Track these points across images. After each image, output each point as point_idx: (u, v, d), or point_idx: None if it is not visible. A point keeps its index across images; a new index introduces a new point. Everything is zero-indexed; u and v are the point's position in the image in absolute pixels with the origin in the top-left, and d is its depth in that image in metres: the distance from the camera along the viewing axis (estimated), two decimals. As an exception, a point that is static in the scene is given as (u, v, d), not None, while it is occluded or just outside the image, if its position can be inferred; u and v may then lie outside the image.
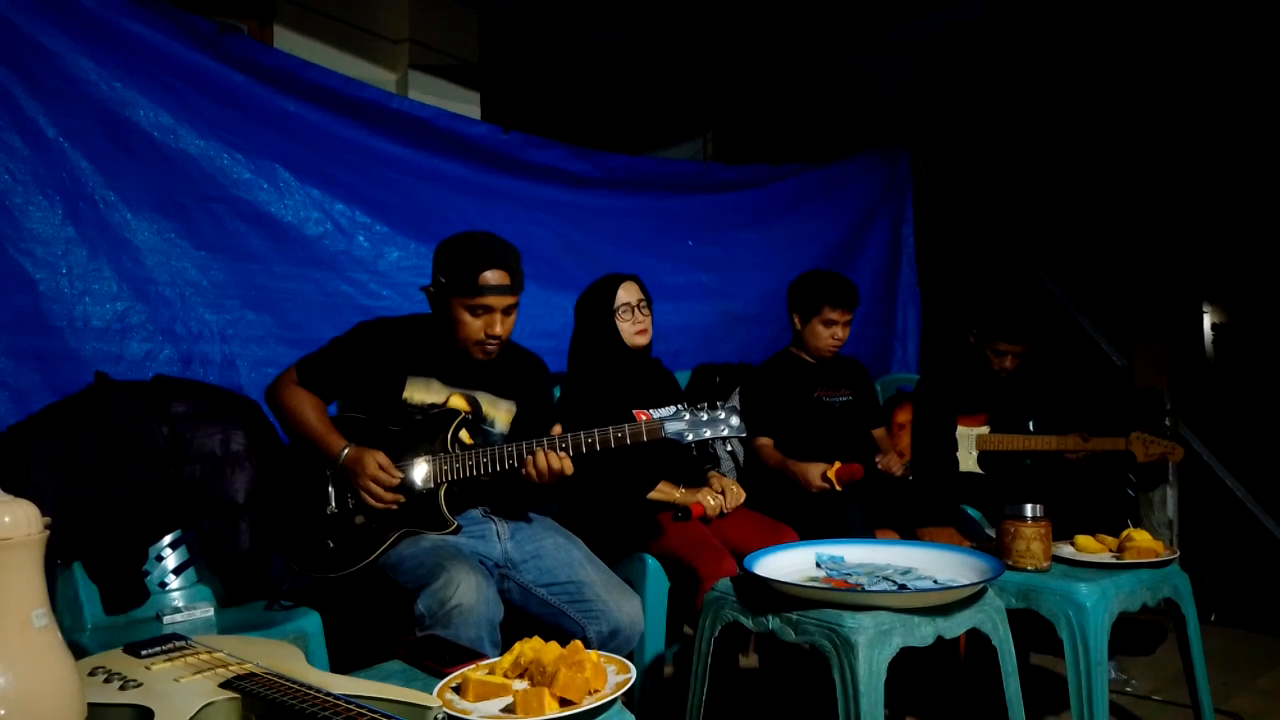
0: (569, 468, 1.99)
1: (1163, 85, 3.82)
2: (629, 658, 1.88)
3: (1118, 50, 3.72)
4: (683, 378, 3.32)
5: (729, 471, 3.11)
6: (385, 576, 1.97)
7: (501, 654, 1.39)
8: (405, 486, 2.02)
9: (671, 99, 4.76)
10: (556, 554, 2.09)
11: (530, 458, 1.98)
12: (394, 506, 2.01)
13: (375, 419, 2.10)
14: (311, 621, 1.97)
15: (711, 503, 2.50)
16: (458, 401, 2.14)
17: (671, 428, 1.99)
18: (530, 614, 2.06)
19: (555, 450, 1.98)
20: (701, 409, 2.02)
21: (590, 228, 3.50)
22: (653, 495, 2.51)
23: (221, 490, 2.22)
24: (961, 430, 3.24)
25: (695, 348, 3.64)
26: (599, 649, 1.93)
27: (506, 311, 2.08)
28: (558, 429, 2.05)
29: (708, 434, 1.99)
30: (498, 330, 2.06)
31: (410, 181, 3.04)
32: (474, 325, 2.05)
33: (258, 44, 2.83)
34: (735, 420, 2.01)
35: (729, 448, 3.11)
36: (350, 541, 2.02)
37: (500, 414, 2.21)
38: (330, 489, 2.06)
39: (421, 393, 2.11)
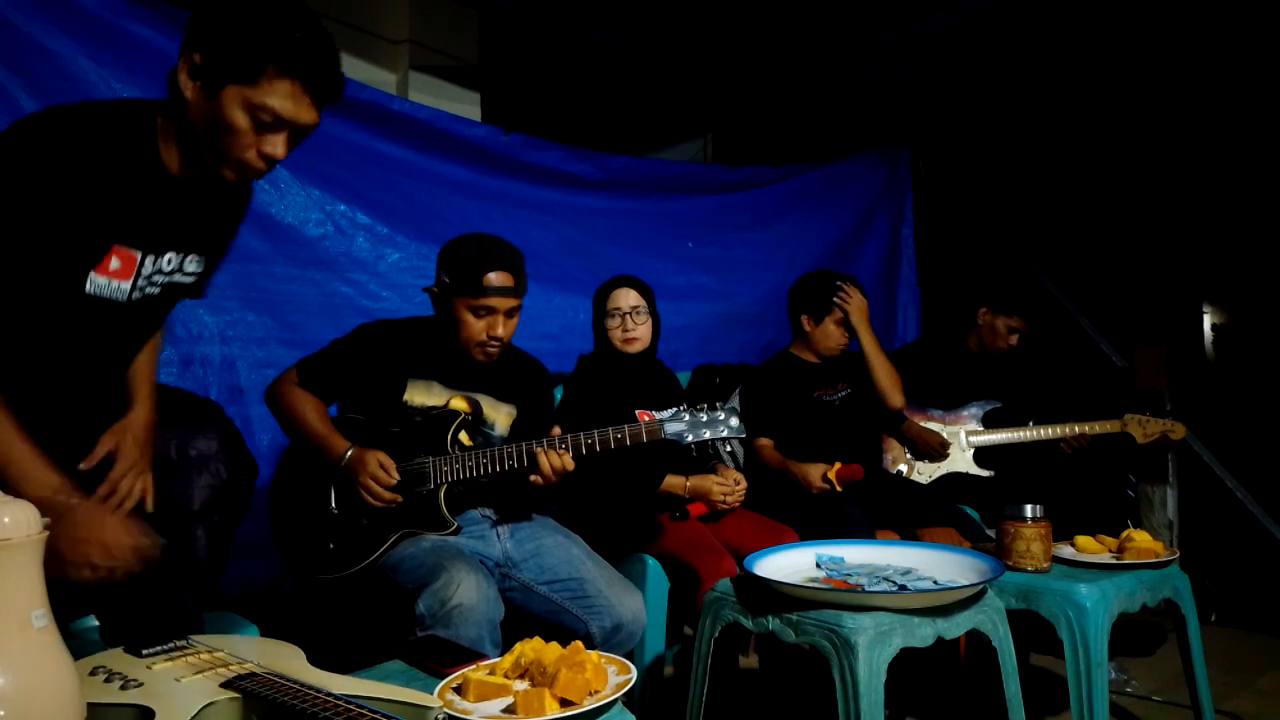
0: (569, 464, 1.99)
1: (1163, 86, 3.82)
2: (630, 657, 1.89)
3: (1118, 51, 3.72)
4: (683, 378, 3.32)
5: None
6: (385, 578, 1.98)
7: (502, 654, 1.39)
8: (405, 487, 2.02)
9: (672, 100, 4.75)
10: (556, 552, 2.10)
11: (534, 461, 1.98)
12: (392, 506, 2.01)
13: (375, 420, 2.10)
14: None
15: (717, 490, 2.50)
16: (458, 404, 2.14)
17: (671, 428, 2.00)
18: (532, 613, 2.06)
19: (555, 450, 1.99)
20: (701, 409, 2.03)
21: (590, 229, 3.50)
22: (661, 489, 2.52)
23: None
24: (950, 429, 3.25)
25: (695, 348, 3.64)
26: (601, 645, 1.93)
27: (509, 314, 2.08)
28: (556, 430, 2.05)
29: (707, 435, 2.00)
30: (499, 332, 2.06)
31: (411, 183, 3.04)
32: (476, 326, 2.06)
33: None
34: (735, 421, 2.02)
35: (729, 448, 3.11)
36: (351, 542, 2.02)
37: (501, 417, 2.21)
38: (331, 490, 2.06)
39: (422, 395, 2.12)
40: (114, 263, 1.42)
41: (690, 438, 2.00)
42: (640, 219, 3.69)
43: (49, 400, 1.49)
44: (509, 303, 2.06)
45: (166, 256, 1.51)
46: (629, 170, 3.63)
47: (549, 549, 2.10)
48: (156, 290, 1.53)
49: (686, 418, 2.01)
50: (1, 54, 2.24)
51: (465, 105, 3.62)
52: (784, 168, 4.14)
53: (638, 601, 2.04)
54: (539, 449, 1.98)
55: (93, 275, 1.41)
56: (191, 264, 1.58)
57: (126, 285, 1.45)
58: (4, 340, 1.43)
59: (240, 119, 1.38)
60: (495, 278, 2.02)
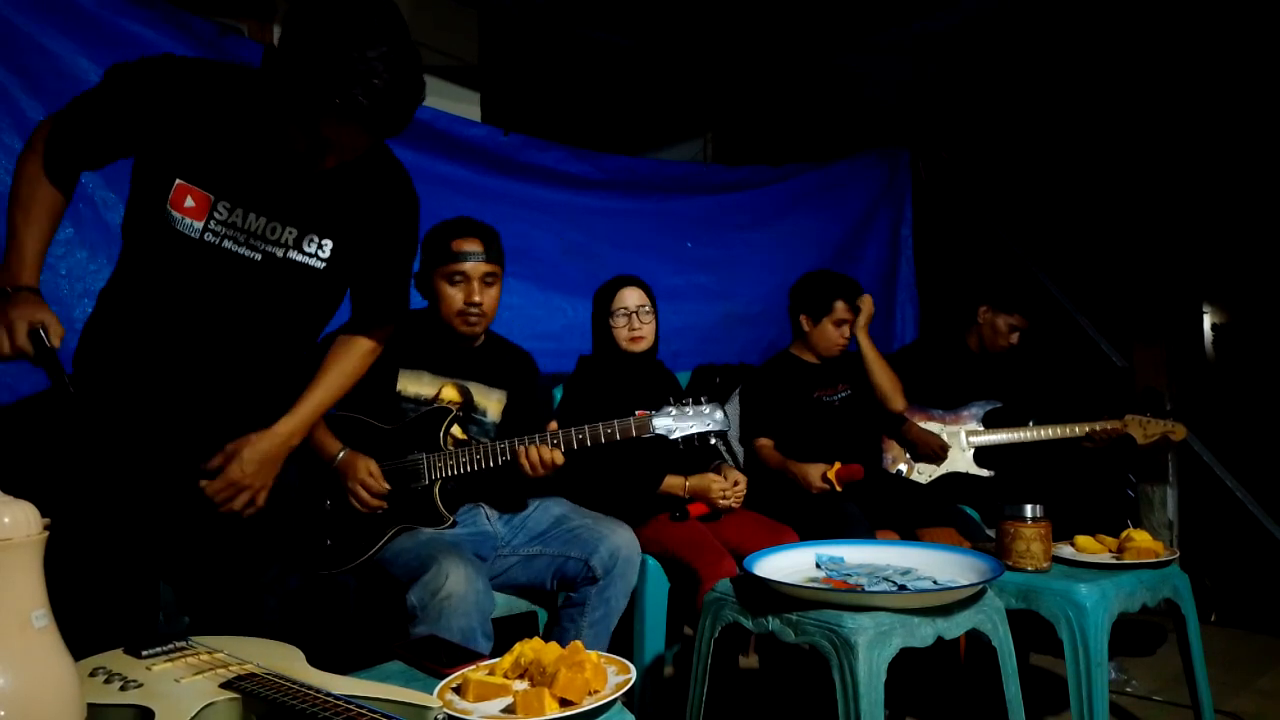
0: (559, 459, 2.06)
1: (1163, 86, 3.82)
2: (629, 657, 1.89)
3: (1118, 51, 3.72)
4: (683, 378, 3.32)
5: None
6: (382, 572, 2.00)
7: (494, 648, 1.38)
8: (400, 483, 2.05)
9: (672, 100, 4.75)
10: (537, 514, 2.19)
11: (523, 449, 2.04)
12: (377, 512, 2.04)
13: (369, 418, 2.13)
14: None
15: (716, 489, 2.51)
16: (449, 392, 2.19)
17: (659, 423, 2.07)
18: (534, 585, 2.11)
19: (546, 445, 2.04)
20: (687, 403, 2.09)
21: (590, 229, 3.50)
22: (660, 489, 2.53)
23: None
24: (950, 429, 3.25)
25: (695, 348, 3.64)
26: (604, 576, 2.03)
27: (486, 280, 2.14)
28: (553, 425, 2.08)
29: (694, 428, 2.06)
30: (477, 298, 2.12)
31: (410, 183, 3.03)
32: (455, 297, 2.12)
33: (257, 45, 2.83)
34: (719, 415, 2.09)
35: (725, 448, 3.11)
36: (348, 538, 2.05)
37: (491, 403, 2.25)
38: (328, 488, 2.07)
39: (414, 384, 2.16)
40: (188, 200, 1.48)
41: (678, 432, 2.05)
42: (640, 219, 3.69)
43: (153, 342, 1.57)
44: (483, 268, 2.12)
45: (257, 217, 1.52)
46: (628, 170, 3.63)
47: (534, 516, 2.19)
48: (256, 256, 1.53)
49: (673, 412, 2.08)
50: (1, 54, 2.24)
51: (465, 105, 3.62)
52: (784, 168, 4.14)
53: (628, 531, 2.13)
54: (526, 445, 2.03)
55: (169, 209, 1.48)
56: (311, 244, 1.58)
57: (199, 225, 1.50)
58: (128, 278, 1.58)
59: (295, 132, 1.42)
60: (465, 244, 2.12)
